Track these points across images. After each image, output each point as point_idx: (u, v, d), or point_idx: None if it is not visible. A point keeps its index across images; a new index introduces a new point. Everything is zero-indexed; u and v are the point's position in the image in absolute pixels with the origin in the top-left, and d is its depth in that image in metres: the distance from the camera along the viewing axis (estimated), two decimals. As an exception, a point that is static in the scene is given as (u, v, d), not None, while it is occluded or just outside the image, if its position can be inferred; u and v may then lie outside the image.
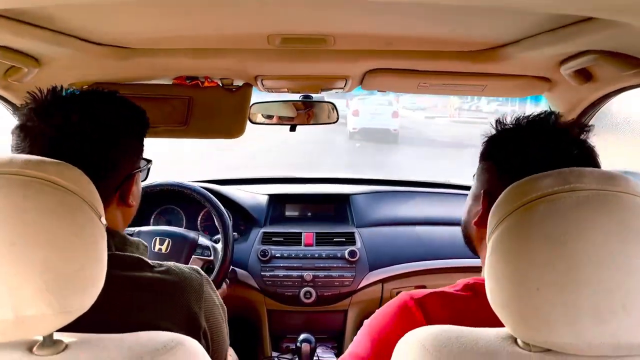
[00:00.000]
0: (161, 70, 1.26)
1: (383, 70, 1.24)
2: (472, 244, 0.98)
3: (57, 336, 0.65)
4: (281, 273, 1.89)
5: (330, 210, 2.21)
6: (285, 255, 1.93)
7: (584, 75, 1.09)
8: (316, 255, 1.92)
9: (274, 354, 1.98)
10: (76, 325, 0.67)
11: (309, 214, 2.21)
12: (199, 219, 2.11)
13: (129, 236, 0.90)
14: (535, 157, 0.84)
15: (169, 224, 2.08)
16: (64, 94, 0.83)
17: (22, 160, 0.64)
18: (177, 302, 0.84)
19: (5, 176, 0.61)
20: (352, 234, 2.01)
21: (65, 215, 0.62)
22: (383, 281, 1.92)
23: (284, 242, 1.98)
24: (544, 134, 0.87)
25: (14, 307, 0.58)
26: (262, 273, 1.89)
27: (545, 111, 0.91)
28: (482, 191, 0.92)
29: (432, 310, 0.83)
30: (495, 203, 0.70)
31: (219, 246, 1.70)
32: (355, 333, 2.00)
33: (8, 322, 0.59)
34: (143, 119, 0.91)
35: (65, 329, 0.65)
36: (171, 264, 0.89)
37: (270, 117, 1.61)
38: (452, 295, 0.86)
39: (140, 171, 0.94)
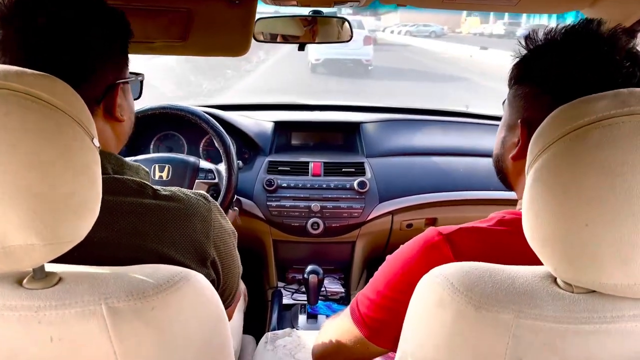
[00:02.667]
0: None
1: None
2: (507, 179, 0.89)
3: (49, 268, 0.59)
4: (288, 203, 1.83)
5: (338, 139, 2.11)
6: (292, 185, 1.86)
7: None
8: (324, 186, 1.85)
9: (280, 284, 1.96)
10: (71, 258, 0.61)
11: (317, 142, 2.12)
12: (201, 145, 2.02)
13: (126, 159, 0.82)
14: (580, 73, 0.74)
15: (170, 151, 2.00)
16: None
17: (0, 71, 0.55)
18: (182, 230, 0.78)
19: None
20: (362, 164, 1.93)
21: (53, 136, 0.55)
22: (393, 213, 1.85)
23: (290, 172, 1.90)
24: (587, 45, 0.75)
25: (0, 237, 0.52)
26: (267, 203, 1.83)
27: (584, 19, 0.78)
28: (519, 120, 0.82)
29: (462, 246, 0.76)
30: (539, 128, 0.61)
31: (223, 168, 1.62)
32: (363, 264, 1.99)
33: None
34: (122, 21, 0.81)
35: (59, 261, 0.60)
36: (175, 188, 0.82)
37: (275, 35, 1.47)
38: (485, 230, 0.78)
39: (127, 82, 0.85)
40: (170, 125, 2.02)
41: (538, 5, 1.21)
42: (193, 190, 0.85)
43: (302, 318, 1.69)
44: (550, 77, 0.77)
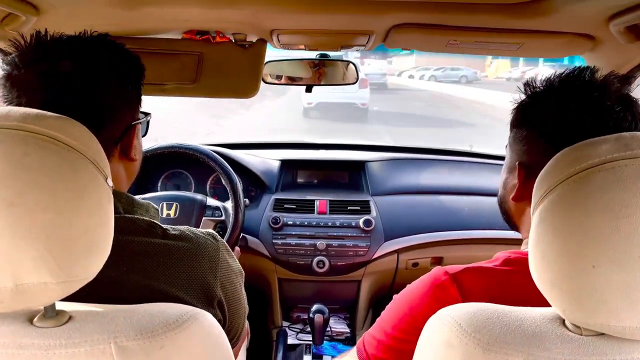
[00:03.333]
0: (170, 22, 1.16)
1: (410, 25, 1.13)
2: (512, 220, 0.91)
3: (60, 306, 0.60)
4: (293, 241, 1.83)
5: (344, 177, 2.13)
6: (298, 223, 1.86)
7: (635, 32, 0.98)
8: (330, 224, 1.86)
9: (285, 323, 1.94)
10: (81, 296, 0.62)
11: (322, 180, 2.13)
12: (208, 183, 2.04)
13: (136, 198, 0.84)
14: (574, 118, 0.76)
15: (177, 189, 2.02)
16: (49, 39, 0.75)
17: (19, 113, 0.58)
18: (190, 271, 0.79)
19: (4, 130, 0.55)
20: (367, 202, 1.94)
21: (68, 176, 0.56)
22: (399, 252, 1.85)
23: (296, 210, 1.91)
24: (580, 91, 0.78)
25: (13, 275, 0.53)
26: (273, 241, 1.83)
27: (578, 67, 0.82)
28: (517, 163, 0.84)
29: (469, 286, 0.76)
30: (543, 170, 0.63)
31: (230, 205, 1.63)
32: (369, 304, 1.98)
33: (7, 291, 0.53)
34: (138, 65, 0.84)
35: (69, 299, 0.60)
36: (184, 228, 0.83)
37: (284, 77, 1.51)
38: (491, 270, 0.78)
39: (140, 123, 0.87)
40: (177, 164, 2.05)
41: (539, 51, 1.24)
42: (201, 229, 0.86)
43: (307, 358, 1.67)
44: (545, 121, 0.80)
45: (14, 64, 0.73)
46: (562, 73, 0.82)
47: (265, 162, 2.10)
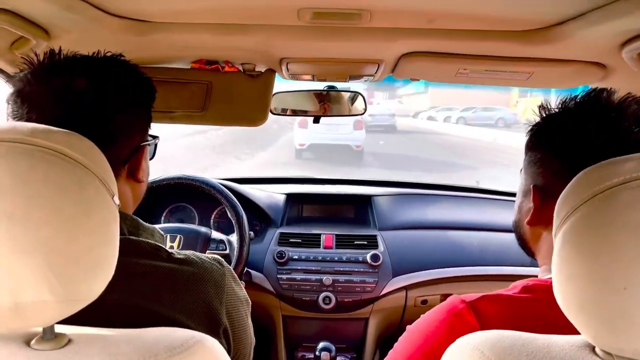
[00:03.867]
0: (180, 50, 1.16)
1: (420, 54, 1.14)
2: (527, 246, 0.88)
3: (59, 329, 0.57)
4: (299, 276, 1.78)
5: (350, 211, 2.10)
6: (304, 257, 1.82)
7: None
8: (336, 259, 1.81)
9: (289, 363, 1.86)
10: (81, 319, 0.59)
11: (328, 215, 2.10)
12: (212, 217, 2.02)
13: (142, 222, 0.81)
14: (591, 138, 0.75)
15: (181, 222, 1.99)
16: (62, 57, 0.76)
17: (27, 128, 0.56)
18: (195, 296, 0.76)
19: (8, 144, 0.53)
20: (375, 237, 1.90)
21: (74, 191, 0.54)
22: (407, 288, 1.80)
23: (302, 244, 1.88)
24: (597, 112, 0.77)
25: (12, 292, 0.50)
26: (278, 276, 1.79)
27: (594, 89, 0.81)
28: (531, 186, 0.82)
29: (487, 314, 0.72)
30: (565, 190, 0.60)
31: (234, 239, 1.60)
32: (376, 342, 1.90)
33: (5, 310, 0.51)
34: (149, 86, 0.84)
35: (69, 322, 0.58)
36: (190, 252, 0.81)
37: (291, 109, 1.51)
38: (509, 297, 0.75)
39: (149, 144, 0.86)
40: (181, 197, 2.03)
41: (549, 81, 1.24)
42: (207, 255, 0.83)
43: (312, 399, 1.59)
44: (561, 143, 0.79)
45: (27, 80, 0.73)
46: (578, 95, 0.81)
47: (270, 196, 2.08)
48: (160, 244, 0.79)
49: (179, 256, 0.78)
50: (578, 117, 0.79)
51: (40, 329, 0.56)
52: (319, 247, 1.86)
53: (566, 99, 0.82)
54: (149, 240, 0.78)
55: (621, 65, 1.05)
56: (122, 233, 0.75)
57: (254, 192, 2.06)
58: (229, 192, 1.64)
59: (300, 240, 1.89)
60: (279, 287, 1.78)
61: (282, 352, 1.86)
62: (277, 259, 1.81)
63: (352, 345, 1.89)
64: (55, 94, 0.72)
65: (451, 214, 2.06)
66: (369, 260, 1.79)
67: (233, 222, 1.61)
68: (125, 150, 0.79)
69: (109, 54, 0.80)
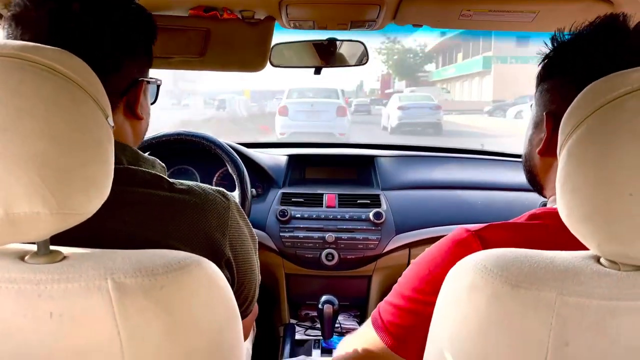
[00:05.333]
0: None
1: None
2: (536, 179, 0.86)
3: (55, 249, 0.57)
4: (301, 234, 1.78)
5: (353, 173, 2.09)
6: (306, 216, 1.81)
7: None
8: (339, 217, 1.80)
9: (292, 321, 1.87)
10: (78, 239, 0.59)
11: (331, 177, 2.09)
12: (215, 179, 2.01)
13: (142, 153, 0.80)
14: (606, 61, 0.72)
15: None
16: None
17: (17, 44, 0.55)
18: (196, 225, 0.75)
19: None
20: (378, 196, 1.89)
21: (66, 106, 0.53)
22: (410, 245, 1.79)
23: (304, 203, 1.87)
24: (614, 35, 0.74)
25: (5, 204, 0.49)
26: (280, 234, 1.78)
27: (610, 14, 0.78)
28: (544, 113, 0.80)
29: (493, 241, 0.71)
30: (570, 107, 0.59)
31: (236, 194, 1.59)
32: (379, 300, 1.89)
33: None
34: (149, 22, 0.82)
35: (65, 242, 0.58)
36: (193, 183, 0.79)
37: (292, 59, 1.48)
38: (516, 225, 0.74)
39: (149, 82, 0.85)
40: (182, 159, 2.02)
41: (555, 21, 1.21)
42: (212, 187, 0.82)
43: (315, 353, 1.60)
44: (575, 67, 0.76)
45: (23, 3, 0.71)
46: (593, 21, 0.78)
47: (273, 157, 2.07)
48: (161, 174, 0.78)
49: (181, 186, 0.77)
50: (593, 40, 0.76)
51: (34, 248, 0.56)
52: (322, 207, 1.86)
53: (580, 26, 0.79)
54: (150, 171, 0.77)
55: (628, 0, 1.02)
56: (120, 163, 0.74)
57: (256, 153, 2.05)
58: (230, 148, 1.63)
59: (302, 200, 1.88)
60: (282, 245, 1.77)
61: (285, 310, 1.87)
62: (280, 218, 1.80)
63: (356, 303, 1.89)
64: (50, 16, 0.70)
65: (455, 174, 2.04)
66: (371, 218, 1.78)
67: (234, 176, 1.59)
68: (123, 83, 0.78)
69: None
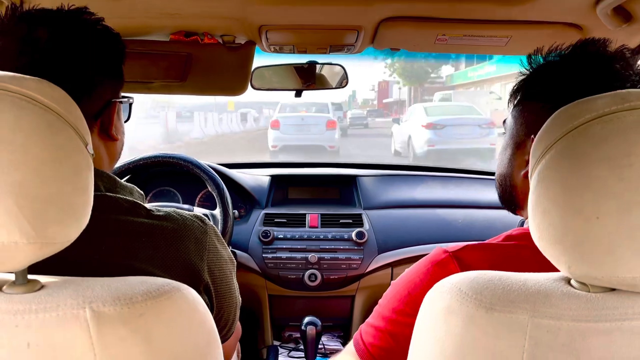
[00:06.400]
0: (156, 17, 1.15)
1: (399, 19, 1.13)
2: (515, 199, 0.86)
3: (32, 278, 0.56)
4: (284, 255, 1.78)
5: (335, 193, 2.10)
6: (289, 236, 1.82)
7: (623, 14, 0.99)
8: (322, 237, 1.81)
9: (275, 343, 1.86)
10: (55, 268, 0.59)
11: (313, 197, 2.10)
12: (197, 200, 2.00)
13: (120, 180, 0.80)
14: (591, 84, 0.74)
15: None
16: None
17: None
18: (174, 252, 0.75)
19: None
20: (360, 215, 1.90)
21: (45, 136, 0.53)
22: (393, 265, 1.80)
23: (287, 224, 1.87)
24: (596, 59, 0.76)
25: None
26: (263, 255, 1.78)
27: (589, 38, 0.80)
28: (531, 137, 0.80)
29: (469, 262, 0.72)
30: (540, 132, 0.61)
31: (217, 212, 1.59)
32: (363, 320, 1.88)
33: None
34: (117, 42, 0.82)
35: (43, 271, 0.58)
36: (171, 209, 0.79)
37: (272, 83, 1.50)
38: (492, 245, 0.75)
39: (122, 102, 0.85)
40: (164, 181, 2.01)
41: (527, 46, 1.25)
42: (190, 212, 0.82)
43: (299, 375, 1.59)
44: (561, 91, 0.77)
45: None
46: (577, 43, 0.80)
47: (255, 178, 2.07)
48: (138, 201, 0.78)
49: (158, 213, 0.77)
50: (577, 63, 0.77)
51: (11, 277, 0.55)
52: (304, 227, 1.86)
53: (559, 47, 0.81)
54: (127, 197, 0.77)
55: (597, 25, 1.06)
56: (98, 190, 0.73)
57: (239, 174, 2.05)
58: (211, 170, 1.63)
59: (285, 220, 1.88)
60: (265, 266, 1.77)
61: (269, 332, 1.86)
62: (262, 239, 1.80)
63: (339, 324, 1.89)
64: (17, 44, 0.71)
65: (435, 192, 2.07)
66: (354, 237, 1.79)
67: (214, 194, 1.59)
68: (96, 105, 0.78)
69: (73, 7, 0.77)
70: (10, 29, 0.71)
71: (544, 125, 0.61)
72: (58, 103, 0.57)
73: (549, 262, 0.57)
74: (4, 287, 0.55)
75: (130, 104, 0.92)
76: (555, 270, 0.57)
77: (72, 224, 0.55)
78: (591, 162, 0.52)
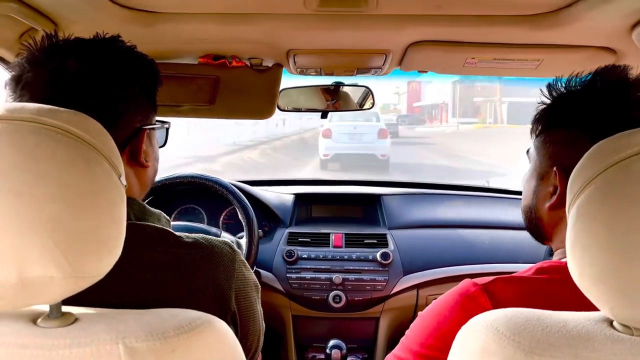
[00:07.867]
0: (187, 42, 1.17)
1: (428, 42, 1.13)
2: (543, 231, 0.84)
3: (66, 309, 0.57)
4: (308, 275, 1.77)
5: (359, 211, 2.08)
6: (313, 256, 1.81)
7: None
8: (346, 257, 1.79)
9: (299, 364, 1.84)
10: (87, 302, 0.59)
11: (337, 215, 2.09)
12: (221, 218, 2.01)
13: (148, 206, 0.81)
14: (618, 113, 0.72)
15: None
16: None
17: (34, 107, 0.56)
18: (204, 279, 0.75)
19: (16, 122, 0.53)
20: (384, 235, 1.88)
21: (81, 169, 0.54)
22: (418, 286, 1.77)
23: (311, 243, 1.86)
24: (620, 87, 0.75)
25: (18, 268, 0.50)
26: (287, 275, 1.77)
27: (611, 65, 0.79)
28: (554, 167, 0.79)
29: (500, 296, 0.70)
30: (578, 165, 0.59)
31: (243, 241, 1.59)
32: (388, 342, 1.88)
33: (10, 286, 0.50)
34: (151, 69, 0.83)
35: (75, 304, 0.58)
36: (199, 236, 0.79)
37: (299, 104, 1.51)
38: (524, 279, 0.73)
39: (154, 129, 0.85)
40: (190, 199, 2.02)
41: (559, 69, 1.22)
42: (217, 238, 0.82)
43: (324, 399, 1.57)
44: (588, 120, 0.76)
45: (22, 65, 0.73)
46: (597, 69, 0.78)
47: (279, 196, 2.07)
48: (167, 228, 0.78)
49: (187, 240, 0.77)
50: (601, 92, 0.76)
51: (46, 309, 0.56)
52: (329, 246, 1.85)
53: (580, 75, 0.80)
54: (156, 225, 0.77)
55: (632, 50, 1.03)
56: (128, 218, 0.74)
57: (263, 192, 2.05)
58: (241, 193, 1.64)
59: (309, 240, 1.87)
60: (289, 287, 1.76)
61: (292, 352, 1.84)
62: (287, 258, 1.79)
63: (363, 345, 1.86)
64: (47, 76, 0.72)
65: (461, 212, 2.04)
66: (379, 258, 1.77)
67: (243, 223, 1.60)
68: (124, 133, 0.78)
69: (107, 36, 0.78)
70: (42, 61, 0.73)
71: (583, 158, 0.59)
72: (92, 135, 0.57)
73: (584, 298, 0.55)
74: (39, 321, 0.55)
75: (167, 129, 0.92)
76: (593, 307, 0.55)
77: (106, 256, 0.56)
78: (633, 200, 0.50)
